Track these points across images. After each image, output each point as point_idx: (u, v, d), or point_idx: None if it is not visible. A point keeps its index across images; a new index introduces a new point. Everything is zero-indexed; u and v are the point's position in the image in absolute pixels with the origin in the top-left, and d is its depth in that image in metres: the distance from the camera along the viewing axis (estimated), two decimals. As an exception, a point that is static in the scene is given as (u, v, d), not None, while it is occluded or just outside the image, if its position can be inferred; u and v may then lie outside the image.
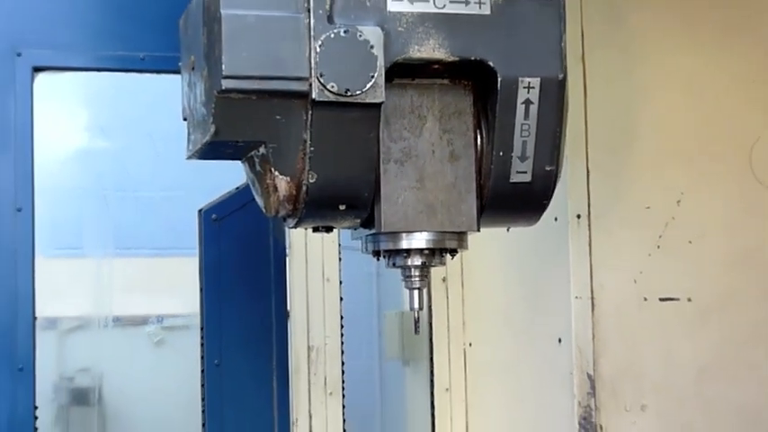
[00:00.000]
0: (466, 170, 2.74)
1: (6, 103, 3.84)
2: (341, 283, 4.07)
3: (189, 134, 2.80)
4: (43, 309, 3.87)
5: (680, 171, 3.73)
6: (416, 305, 2.81)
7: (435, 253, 2.79)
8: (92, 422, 4.05)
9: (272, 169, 2.63)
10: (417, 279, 2.80)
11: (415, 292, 2.80)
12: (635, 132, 3.71)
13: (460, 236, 2.79)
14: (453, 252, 2.84)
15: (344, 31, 2.51)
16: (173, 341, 4.04)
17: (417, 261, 2.78)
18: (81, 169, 4.08)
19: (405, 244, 2.75)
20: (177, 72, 2.84)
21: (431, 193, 2.71)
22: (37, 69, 3.89)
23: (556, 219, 3.57)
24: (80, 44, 3.95)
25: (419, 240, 2.74)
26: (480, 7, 2.63)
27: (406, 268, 2.81)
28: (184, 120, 2.82)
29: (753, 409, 3.72)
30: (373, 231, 2.75)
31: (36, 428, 3.83)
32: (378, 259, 2.86)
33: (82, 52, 3.95)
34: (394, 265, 2.83)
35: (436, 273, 2.95)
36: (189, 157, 2.80)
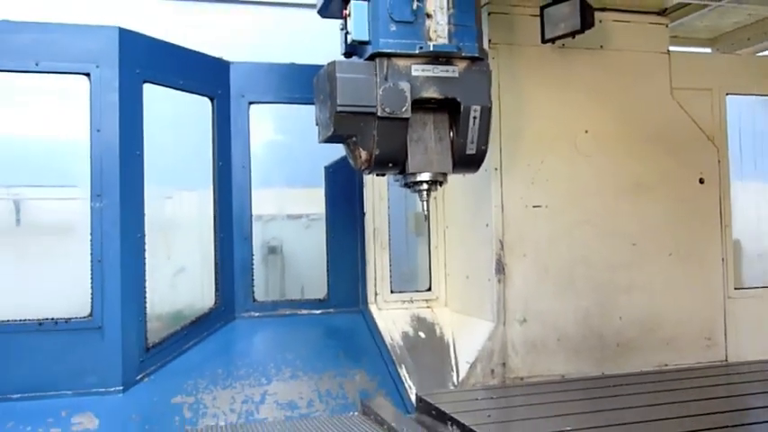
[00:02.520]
0: (446, 147, 2.72)
1: (238, 120, 3.81)
2: (389, 199, 3.99)
3: (319, 131, 2.79)
4: (255, 210, 3.82)
5: (537, 146, 3.62)
6: (424, 209, 2.84)
7: (433, 183, 2.78)
8: (277, 263, 4.09)
9: (359, 147, 2.64)
10: (425, 196, 2.80)
11: (424, 203, 2.81)
12: (522, 132, 3.62)
13: (444, 175, 2.77)
14: (441, 184, 2.82)
15: (392, 84, 2.52)
16: (313, 226, 4.04)
17: (425, 187, 2.78)
18: (270, 148, 4.07)
19: (419, 178, 2.74)
20: (312, 103, 2.82)
21: (430, 156, 2.70)
22: (251, 103, 3.84)
23: (485, 170, 3.50)
24: (271, 91, 3.87)
25: (425, 177, 2.74)
26: (454, 73, 2.61)
27: (419, 191, 2.80)
28: (316, 124, 2.80)
29: (577, 257, 3.68)
30: (405, 174, 2.74)
31: (252, 264, 3.85)
32: (406, 187, 2.85)
33: (272, 94, 3.87)
34: (413, 190, 2.82)
35: (433, 194, 2.94)
36: (320, 142, 2.81)
